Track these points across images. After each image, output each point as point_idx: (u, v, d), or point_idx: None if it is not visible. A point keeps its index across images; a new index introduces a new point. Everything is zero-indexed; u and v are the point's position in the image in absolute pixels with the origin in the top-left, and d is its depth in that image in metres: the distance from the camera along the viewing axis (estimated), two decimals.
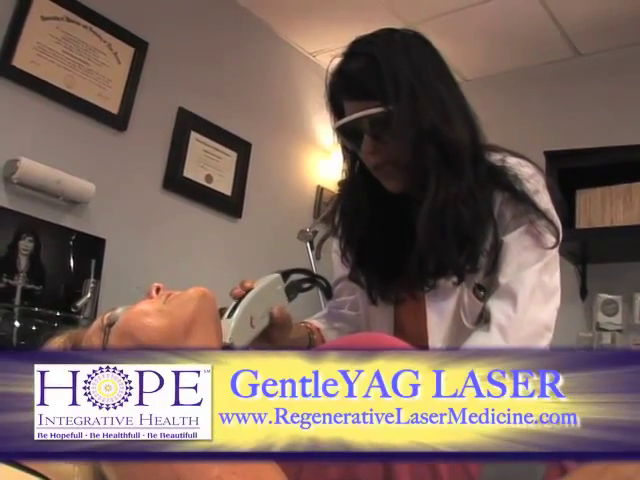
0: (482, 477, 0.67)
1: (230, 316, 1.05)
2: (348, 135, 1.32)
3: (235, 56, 3.44)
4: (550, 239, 1.28)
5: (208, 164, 3.25)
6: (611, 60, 3.34)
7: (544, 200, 1.30)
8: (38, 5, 2.62)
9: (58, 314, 2.37)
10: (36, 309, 2.33)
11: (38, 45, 2.62)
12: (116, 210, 2.83)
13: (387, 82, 1.22)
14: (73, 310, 2.44)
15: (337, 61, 1.34)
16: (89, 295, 2.51)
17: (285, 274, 1.19)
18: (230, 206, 3.34)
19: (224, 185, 3.32)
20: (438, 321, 1.30)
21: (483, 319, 1.27)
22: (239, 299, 1.08)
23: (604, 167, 2.86)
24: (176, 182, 3.10)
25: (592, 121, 3.27)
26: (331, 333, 1.48)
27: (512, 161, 1.33)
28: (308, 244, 3.07)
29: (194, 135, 3.19)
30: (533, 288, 1.24)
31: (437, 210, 1.23)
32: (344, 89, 1.31)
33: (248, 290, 1.10)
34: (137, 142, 2.94)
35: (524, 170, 1.31)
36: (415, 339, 1.33)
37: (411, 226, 1.30)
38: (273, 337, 1.16)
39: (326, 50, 3.77)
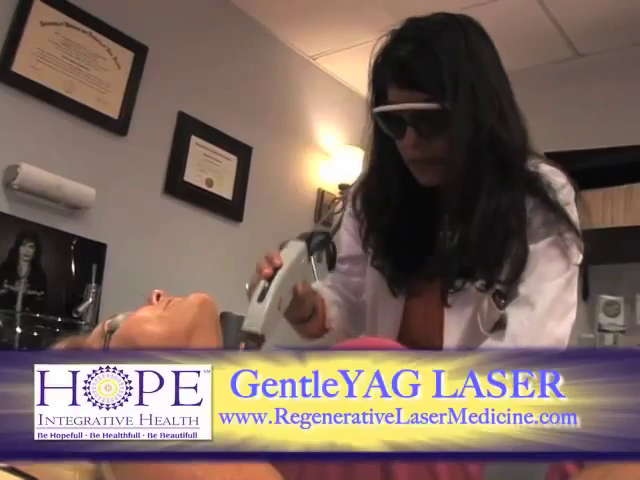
0: (483, 479, 0.67)
1: (261, 299, 1.01)
2: (388, 122, 1.25)
3: (235, 60, 3.44)
4: (576, 254, 1.26)
5: (208, 168, 3.25)
6: (611, 60, 3.34)
7: (574, 213, 1.27)
8: (37, 11, 2.62)
9: (59, 320, 2.37)
10: (37, 315, 2.33)
11: (38, 50, 2.62)
12: (117, 215, 2.83)
13: (445, 78, 1.15)
14: (74, 315, 2.44)
15: (386, 40, 1.26)
16: (90, 300, 2.51)
17: (308, 240, 1.14)
18: (231, 210, 3.34)
19: (225, 189, 3.32)
20: (455, 324, 1.27)
21: (499, 326, 1.25)
22: (269, 280, 1.03)
23: (605, 168, 2.85)
24: (177, 186, 3.10)
25: (592, 122, 3.26)
26: (334, 309, 1.42)
27: (545, 168, 1.29)
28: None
29: (194, 139, 3.19)
30: (553, 302, 1.22)
31: (489, 217, 1.20)
32: (392, 75, 1.21)
33: (277, 268, 1.05)
34: (137, 147, 2.94)
35: (557, 180, 1.28)
36: (422, 339, 1.32)
37: (437, 217, 1.28)
38: (288, 312, 1.12)
39: (326, 53, 3.77)
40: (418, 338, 1.33)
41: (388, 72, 1.22)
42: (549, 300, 1.22)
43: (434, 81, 1.15)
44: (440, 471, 0.70)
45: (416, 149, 1.21)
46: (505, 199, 1.21)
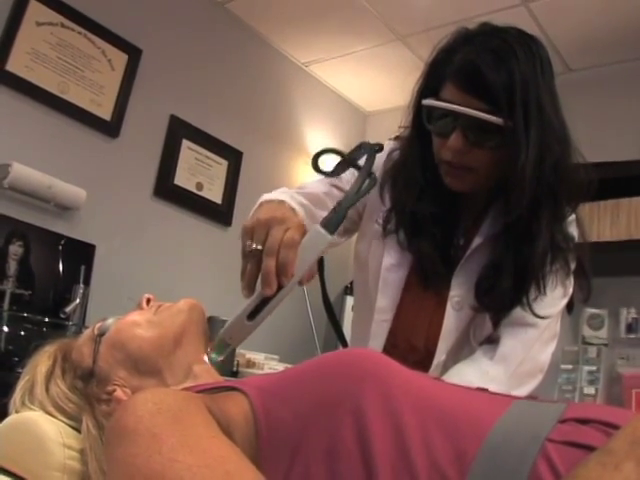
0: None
1: (251, 318, 0.96)
2: (436, 118, 1.21)
3: (228, 65, 3.45)
4: (571, 284, 1.28)
5: (199, 172, 3.26)
6: (601, 76, 3.38)
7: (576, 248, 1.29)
8: (33, 10, 2.63)
9: (47, 320, 2.37)
10: (25, 314, 2.33)
11: (32, 50, 2.63)
12: (107, 216, 2.83)
13: (517, 98, 1.13)
14: (62, 315, 2.44)
15: (454, 38, 1.21)
16: (78, 301, 2.51)
17: (333, 231, 0.98)
18: (220, 214, 3.35)
19: (215, 193, 3.33)
20: (451, 329, 1.28)
21: (488, 340, 1.28)
22: (266, 299, 0.96)
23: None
24: (167, 190, 3.11)
25: (581, 136, 3.27)
26: None
27: None
28: None
29: (185, 143, 3.20)
30: (544, 328, 1.25)
31: (545, 248, 1.20)
32: (459, 76, 1.16)
33: (281, 288, 0.96)
34: (129, 149, 2.95)
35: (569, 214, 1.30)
36: (404, 343, 1.33)
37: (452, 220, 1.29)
38: None
39: (318, 60, 3.79)
40: (401, 342, 1.33)
41: (454, 72, 1.17)
42: (543, 326, 1.25)
43: (503, 97, 1.13)
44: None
45: (457, 153, 1.19)
46: (558, 237, 1.22)
